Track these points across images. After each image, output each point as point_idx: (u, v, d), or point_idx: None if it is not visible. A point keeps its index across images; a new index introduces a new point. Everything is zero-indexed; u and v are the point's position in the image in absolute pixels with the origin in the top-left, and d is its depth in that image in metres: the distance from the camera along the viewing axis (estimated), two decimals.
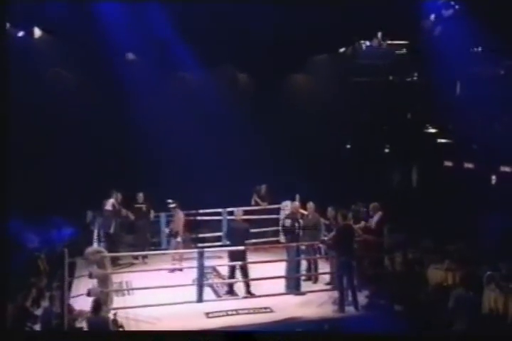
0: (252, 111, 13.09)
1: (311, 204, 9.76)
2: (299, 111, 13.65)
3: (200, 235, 11.24)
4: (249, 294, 8.84)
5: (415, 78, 13.44)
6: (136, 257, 10.71)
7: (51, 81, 12.02)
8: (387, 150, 14.37)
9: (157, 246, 11.14)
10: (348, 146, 14.67)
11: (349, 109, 13.49)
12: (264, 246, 10.63)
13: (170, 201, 10.41)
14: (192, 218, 11.19)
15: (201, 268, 8.18)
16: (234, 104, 12.67)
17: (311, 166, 13.07)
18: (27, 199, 10.43)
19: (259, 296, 8.55)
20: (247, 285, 8.93)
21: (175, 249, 10.14)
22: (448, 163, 12.90)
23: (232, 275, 9.05)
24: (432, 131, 13.34)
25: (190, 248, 10.30)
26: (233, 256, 8.90)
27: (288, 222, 9.41)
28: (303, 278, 9.42)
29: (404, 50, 12.90)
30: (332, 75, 13.70)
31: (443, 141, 13.03)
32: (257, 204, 11.99)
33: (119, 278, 9.67)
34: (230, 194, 11.45)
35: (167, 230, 10.48)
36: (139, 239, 10.91)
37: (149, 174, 11.91)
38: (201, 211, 11.17)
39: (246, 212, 11.49)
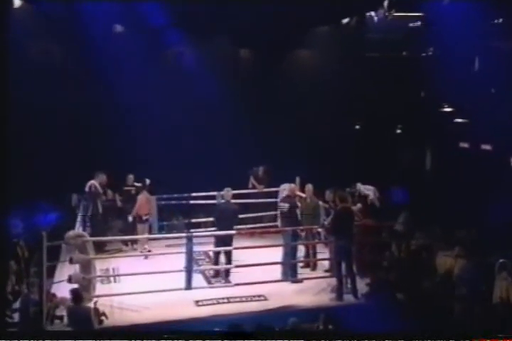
0: (250, 89, 12.96)
1: (309, 187, 9.68)
2: (302, 89, 13.51)
3: (194, 220, 11.26)
4: (228, 282, 8.83)
5: (430, 53, 13.25)
6: (126, 243, 10.74)
7: (32, 55, 11.90)
8: (398, 131, 14.29)
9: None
10: (357, 127, 14.57)
11: (358, 86, 13.29)
12: (257, 230, 10.63)
13: (136, 184, 10.44)
14: (185, 202, 11.24)
15: (190, 253, 8.15)
16: (229, 80, 12.56)
17: (313, 147, 12.97)
18: (11, 183, 10.43)
19: (252, 283, 8.50)
20: (227, 272, 8.97)
21: (141, 233, 10.19)
22: (464, 145, 12.77)
23: (216, 260, 9.05)
24: (448, 110, 13.19)
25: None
26: (218, 240, 8.89)
27: (284, 206, 9.34)
28: (300, 264, 9.41)
29: (418, 23, 12.69)
30: (339, 50, 13.53)
31: (459, 120, 12.88)
32: (254, 187, 11.89)
33: (105, 264, 9.70)
34: (226, 176, 11.37)
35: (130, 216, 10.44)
36: (127, 222, 10.77)
37: (140, 155, 11.83)
38: (194, 194, 11.15)
39: (242, 196, 11.60)
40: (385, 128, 13.93)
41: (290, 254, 8.69)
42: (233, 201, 10.90)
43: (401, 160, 13.92)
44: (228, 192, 9.25)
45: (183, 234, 8.76)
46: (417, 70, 12.67)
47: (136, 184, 10.61)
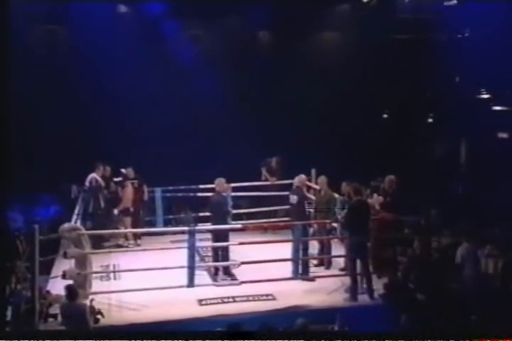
0: (263, 75, 12.89)
1: (323, 178, 9.60)
2: (321, 75, 13.38)
3: (201, 214, 11.28)
4: (234, 280, 8.85)
5: (467, 35, 13.00)
6: (127, 238, 10.82)
7: (33, 44, 12.02)
8: (430, 120, 14.06)
9: (151, 225, 11.14)
10: (385, 115, 14.38)
11: (384, 71, 13.13)
12: (264, 225, 10.69)
13: (122, 170, 10.53)
14: (192, 194, 11.26)
15: (192, 248, 8.15)
16: (243, 64, 12.52)
17: (333, 137, 12.85)
18: (10, 175, 10.57)
19: (259, 281, 8.48)
20: (226, 270, 9.00)
21: (125, 226, 10.32)
22: (502, 135, 12.55)
23: (215, 257, 9.05)
24: (485, 97, 12.96)
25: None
26: (213, 235, 8.91)
27: (293, 198, 9.24)
28: (314, 262, 9.38)
29: (453, 1, 12.47)
30: (363, 32, 13.34)
31: (497, 108, 12.66)
32: (266, 179, 11.83)
33: (106, 260, 9.80)
34: (237, 168, 11.38)
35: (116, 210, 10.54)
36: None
37: (145, 146, 11.92)
38: (202, 186, 11.16)
39: (254, 189, 11.59)
40: (415, 117, 13.76)
41: (300, 250, 8.62)
42: (243, 194, 11.05)
43: (431, 151, 13.77)
44: (219, 182, 9.17)
45: (185, 228, 8.76)
46: (451, 54, 12.47)
47: (116, 179, 10.72)
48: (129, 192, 10.48)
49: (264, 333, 6.11)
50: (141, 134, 12.02)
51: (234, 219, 10.84)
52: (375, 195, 9.05)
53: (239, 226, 8.80)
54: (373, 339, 5.88)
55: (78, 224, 9.02)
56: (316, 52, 13.79)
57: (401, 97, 13.53)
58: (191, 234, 8.19)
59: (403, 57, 12.90)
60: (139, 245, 10.69)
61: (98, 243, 10.34)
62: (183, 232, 9.06)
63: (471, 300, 7.98)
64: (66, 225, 7.96)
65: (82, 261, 7.91)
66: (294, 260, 8.64)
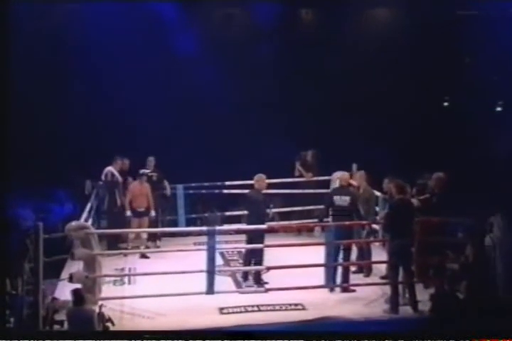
0: (298, 57, 12.77)
1: (361, 174, 9.47)
2: (367, 56, 13.17)
3: (228, 213, 11.28)
4: (260, 286, 8.81)
5: None
6: (147, 239, 10.85)
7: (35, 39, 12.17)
8: (499, 109, 13.65)
9: (173, 225, 11.19)
10: (446, 104, 14.08)
11: (445, 52, 12.87)
12: (291, 225, 10.83)
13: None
14: (217, 191, 11.25)
15: (212, 251, 8.10)
16: (274, 47, 12.44)
17: (376, 127, 12.68)
18: (24, 169, 10.77)
19: (287, 289, 8.38)
20: (257, 275, 8.97)
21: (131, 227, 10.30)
22: None
23: (246, 260, 9.03)
24: None
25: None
26: (248, 236, 8.91)
27: (344, 200, 8.83)
28: (352, 269, 9.24)
29: None
30: (419, 7, 13.04)
31: None
32: (301, 175, 11.74)
33: (121, 263, 9.92)
34: (268, 162, 11.32)
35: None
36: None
37: (166, 138, 11.97)
38: (228, 183, 11.12)
39: (287, 186, 11.51)
40: (480, 105, 13.43)
41: (332, 255, 8.50)
42: (274, 191, 10.94)
43: (496, 144, 13.43)
44: (260, 179, 9.10)
45: (204, 228, 8.72)
46: None
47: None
48: (135, 191, 10.38)
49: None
50: (162, 127, 12.07)
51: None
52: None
53: (263, 226, 8.67)
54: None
55: (89, 222, 9.09)
56: (364, 30, 13.53)
57: (464, 82, 13.20)
58: (211, 234, 8.13)
59: (470, 34, 12.57)
60: (158, 247, 10.73)
61: (114, 244, 10.42)
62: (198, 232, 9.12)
63: None
64: (74, 223, 7.99)
65: (91, 263, 7.91)
66: (327, 266, 8.49)
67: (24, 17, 11.20)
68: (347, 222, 8.57)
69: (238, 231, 9.81)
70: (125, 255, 10.21)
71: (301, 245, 9.46)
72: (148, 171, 10.64)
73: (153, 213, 10.47)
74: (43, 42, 12.08)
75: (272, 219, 10.69)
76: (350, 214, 8.77)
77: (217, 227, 8.58)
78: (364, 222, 8.94)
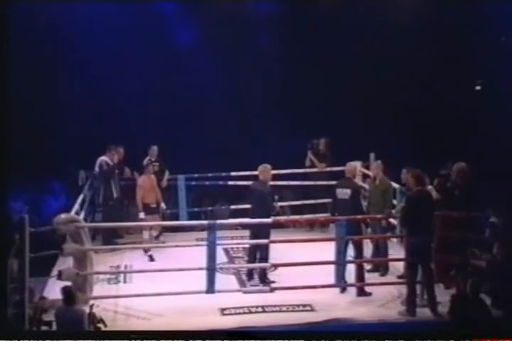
0: (310, 40, 12.76)
1: (377, 164, 9.40)
2: (389, 34, 13.10)
3: (233, 206, 11.26)
4: (264, 282, 8.86)
5: None
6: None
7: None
8: None
9: (174, 219, 11.20)
10: (478, 87, 14.06)
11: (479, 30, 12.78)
12: (299, 219, 10.90)
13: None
14: (222, 183, 11.23)
15: (212, 247, 8.08)
16: (285, 30, 12.45)
17: (398, 113, 12.62)
18: (14, 159, 10.82)
19: (294, 288, 8.39)
20: (251, 273, 9.02)
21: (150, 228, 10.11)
22: None
23: (250, 257, 9.03)
24: None
25: None
26: (252, 231, 8.91)
27: (344, 193, 8.87)
28: (367, 267, 9.19)
29: None
30: None
31: None
32: (312, 165, 11.67)
33: (117, 260, 9.92)
34: (276, 151, 11.30)
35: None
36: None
37: (164, 125, 11.99)
38: (234, 173, 11.08)
39: (297, 177, 11.47)
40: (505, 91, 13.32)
41: (343, 252, 8.45)
42: (283, 183, 10.91)
43: None
44: (265, 169, 9.07)
45: (204, 222, 8.69)
46: None
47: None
48: (146, 184, 10.21)
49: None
50: (163, 114, 12.11)
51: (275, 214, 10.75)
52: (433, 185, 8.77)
53: (268, 220, 8.64)
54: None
55: (82, 215, 9.11)
56: (382, 15, 13.38)
57: (492, 64, 13.12)
58: (211, 229, 8.10)
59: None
60: (163, 243, 10.73)
61: (110, 240, 10.44)
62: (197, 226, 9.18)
63: None
64: (63, 216, 7.99)
65: (82, 259, 7.92)
66: (337, 263, 8.45)
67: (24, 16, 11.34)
68: (359, 216, 8.52)
69: (244, 226, 9.80)
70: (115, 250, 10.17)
71: (307, 241, 9.47)
72: (153, 160, 10.63)
73: (164, 206, 10.39)
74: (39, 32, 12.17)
75: (278, 214, 10.69)
76: (352, 208, 8.70)
77: (218, 221, 8.50)
78: (378, 216, 8.87)
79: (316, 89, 12.52)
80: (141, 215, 9.98)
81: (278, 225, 11.28)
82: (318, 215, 11.15)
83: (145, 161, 10.54)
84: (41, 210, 10.68)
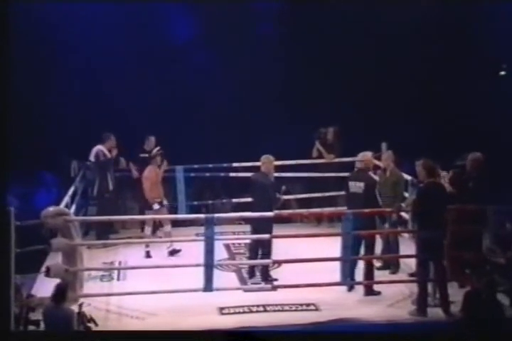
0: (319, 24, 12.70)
1: (388, 154, 9.40)
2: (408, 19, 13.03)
3: (235, 200, 11.26)
4: (267, 280, 8.89)
5: None
6: (142, 229, 10.89)
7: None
8: None
9: (172, 212, 11.12)
10: (502, 73, 14.03)
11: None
12: (303, 213, 11.03)
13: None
14: (223, 175, 11.25)
15: (210, 242, 8.09)
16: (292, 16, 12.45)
17: (412, 100, 12.57)
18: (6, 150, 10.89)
19: (296, 286, 8.41)
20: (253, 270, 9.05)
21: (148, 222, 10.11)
22: None
23: (252, 253, 9.03)
24: None
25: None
26: (253, 225, 8.91)
27: (357, 186, 8.84)
28: (377, 265, 9.19)
29: None
30: None
31: None
32: (320, 156, 11.68)
33: (111, 256, 9.99)
34: (280, 141, 11.30)
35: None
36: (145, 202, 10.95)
37: (164, 112, 12.00)
38: (235, 164, 11.11)
39: (304, 168, 11.46)
40: None
41: (350, 248, 8.43)
42: (289, 175, 10.92)
43: None
44: (267, 160, 9.08)
45: (201, 216, 8.71)
46: None
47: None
48: (153, 176, 10.17)
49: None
50: (162, 98, 12.14)
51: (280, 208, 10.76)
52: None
53: (270, 214, 8.64)
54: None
55: (73, 208, 9.14)
56: None
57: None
58: (209, 223, 8.10)
59: None
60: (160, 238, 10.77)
61: (104, 235, 10.49)
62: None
63: None
64: (51, 209, 8.00)
65: (71, 255, 7.91)
66: (342, 260, 8.45)
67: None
68: (366, 210, 8.50)
69: (246, 221, 9.83)
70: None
71: (310, 236, 9.52)
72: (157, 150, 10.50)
73: (165, 201, 10.41)
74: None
75: (285, 207, 10.70)
76: (365, 203, 8.67)
77: (216, 215, 8.51)
78: (387, 210, 8.85)
79: (323, 75, 12.47)
80: (156, 206, 9.95)
81: (284, 220, 11.42)
82: (326, 209, 11.17)
83: (154, 151, 10.36)
84: (31, 203, 10.72)
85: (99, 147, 10.68)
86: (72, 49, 12.49)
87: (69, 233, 7.93)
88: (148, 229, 10.11)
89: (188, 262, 8.74)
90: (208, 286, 8.16)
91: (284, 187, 9.44)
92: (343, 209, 9.96)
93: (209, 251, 8.12)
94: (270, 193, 8.97)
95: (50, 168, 11.38)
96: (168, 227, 10.04)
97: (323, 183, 11.49)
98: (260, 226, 8.84)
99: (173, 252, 9.96)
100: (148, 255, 9.98)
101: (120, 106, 11.98)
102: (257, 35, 12.85)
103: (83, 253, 8.35)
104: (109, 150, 10.78)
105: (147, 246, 10.01)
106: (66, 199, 9.08)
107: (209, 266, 8.13)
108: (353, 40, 12.92)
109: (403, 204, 8.85)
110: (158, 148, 10.36)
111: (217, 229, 10.27)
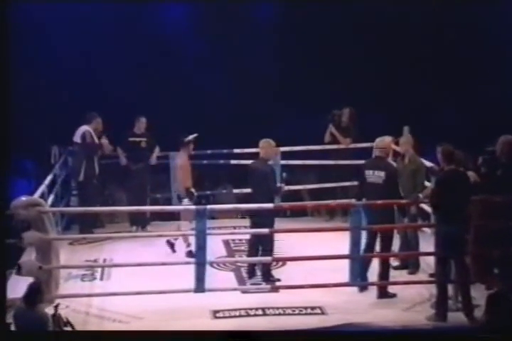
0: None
1: (407, 139, 9.42)
2: None
3: (236, 190, 11.36)
4: (268, 280, 8.91)
5: None
6: (131, 223, 11.03)
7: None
8: None
9: (163, 204, 11.33)
10: None
11: None
12: (306, 205, 11.24)
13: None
14: (223, 162, 11.39)
15: (201, 236, 8.13)
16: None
17: (437, 79, 12.60)
18: None
19: (299, 287, 8.46)
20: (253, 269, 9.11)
21: (185, 218, 9.90)
22: None
23: (251, 250, 9.11)
24: None
25: None
26: (252, 218, 8.97)
27: (377, 175, 8.78)
28: (394, 264, 9.21)
29: None
30: None
31: None
32: (334, 141, 11.70)
33: (94, 253, 10.05)
34: (289, 125, 11.33)
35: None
36: (135, 192, 11.06)
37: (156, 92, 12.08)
38: (237, 150, 11.22)
39: (316, 155, 11.47)
40: None
41: (358, 245, 8.46)
42: (298, 162, 10.94)
43: None
44: (266, 145, 9.13)
45: (191, 207, 8.76)
46: None
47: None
48: (186, 163, 10.06)
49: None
50: (150, 79, 12.28)
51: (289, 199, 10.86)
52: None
53: (270, 206, 8.64)
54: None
55: (50, 198, 9.21)
56: None
57: None
58: (200, 215, 8.13)
59: None
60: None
61: (88, 229, 10.56)
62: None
63: None
64: (23, 199, 8.04)
65: (46, 251, 7.94)
66: (351, 257, 8.46)
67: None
68: (378, 201, 8.49)
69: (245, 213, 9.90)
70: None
71: (316, 230, 9.60)
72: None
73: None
74: None
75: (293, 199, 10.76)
76: (387, 195, 8.64)
77: (208, 207, 8.53)
78: (402, 202, 8.83)
79: (336, 51, 12.49)
80: (186, 202, 9.84)
81: (295, 213, 11.46)
82: (338, 201, 11.17)
83: (190, 137, 10.02)
84: (6, 194, 10.78)
85: (85, 127, 10.74)
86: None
87: (43, 226, 7.95)
88: (185, 224, 9.77)
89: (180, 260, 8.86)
90: (200, 286, 8.19)
91: (284, 174, 9.44)
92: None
93: (201, 247, 8.15)
94: (270, 182, 8.99)
95: (28, 154, 11.43)
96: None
97: (338, 172, 11.53)
98: (260, 219, 8.87)
99: (190, 254, 9.61)
100: (173, 249, 10.02)
101: (106, 85, 12.08)
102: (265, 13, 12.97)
103: (60, 248, 8.38)
104: (97, 132, 10.85)
105: (176, 239, 9.99)
106: (42, 188, 9.13)
107: (200, 263, 8.17)
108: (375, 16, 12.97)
109: (421, 195, 8.82)
110: (195, 134, 10.10)
111: (216, 223, 10.53)
